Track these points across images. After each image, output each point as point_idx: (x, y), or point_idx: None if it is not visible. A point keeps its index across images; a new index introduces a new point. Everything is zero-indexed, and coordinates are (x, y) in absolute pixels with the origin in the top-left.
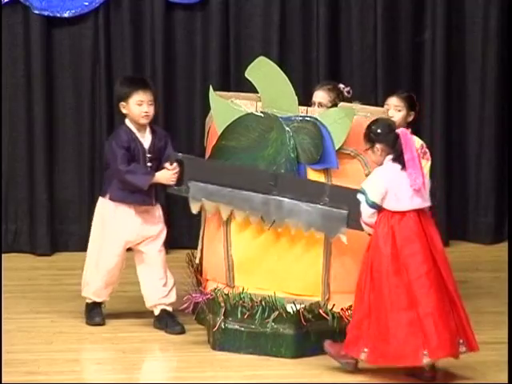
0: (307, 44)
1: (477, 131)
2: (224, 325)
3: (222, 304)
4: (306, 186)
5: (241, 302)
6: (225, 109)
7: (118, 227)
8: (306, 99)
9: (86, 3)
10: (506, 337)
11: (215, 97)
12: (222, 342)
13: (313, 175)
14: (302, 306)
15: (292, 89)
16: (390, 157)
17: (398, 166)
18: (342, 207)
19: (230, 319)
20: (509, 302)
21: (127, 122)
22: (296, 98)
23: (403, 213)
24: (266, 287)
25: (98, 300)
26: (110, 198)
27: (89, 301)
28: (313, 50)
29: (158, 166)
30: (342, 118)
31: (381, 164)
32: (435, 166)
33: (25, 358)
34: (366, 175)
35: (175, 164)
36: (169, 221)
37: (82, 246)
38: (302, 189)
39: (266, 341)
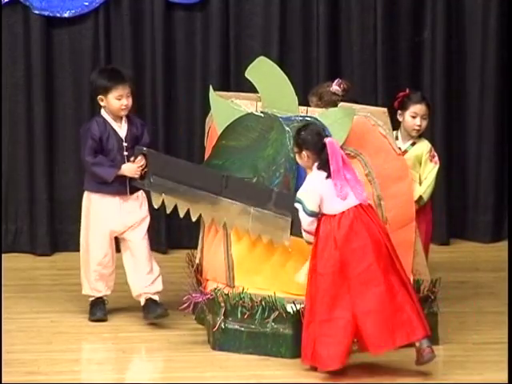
0: (307, 44)
1: (476, 130)
2: (224, 325)
3: (222, 304)
4: (255, 190)
5: (241, 302)
6: (225, 109)
7: (100, 218)
8: (306, 99)
9: (86, 3)
10: (506, 337)
11: (215, 97)
12: (221, 342)
13: None
14: (302, 306)
15: (292, 89)
16: (316, 164)
17: (323, 174)
18: (286, 214)
19: (230, 319)
20: (509, 302)
21: (103, 112)
22: (296, 97)
23: (341, 213)
24: (266, 287)
25: (98, 295)
26: (86, 189)
27: (91, 298)
28: (313, 50)
29: None
30: (341, 118)
31: (309, 168)
32: None
33: (25, 358)
34: (367, 175)
35: (139, 157)
36: (169, 221)
37: None
38: (250, 193)
39: (265, 341)
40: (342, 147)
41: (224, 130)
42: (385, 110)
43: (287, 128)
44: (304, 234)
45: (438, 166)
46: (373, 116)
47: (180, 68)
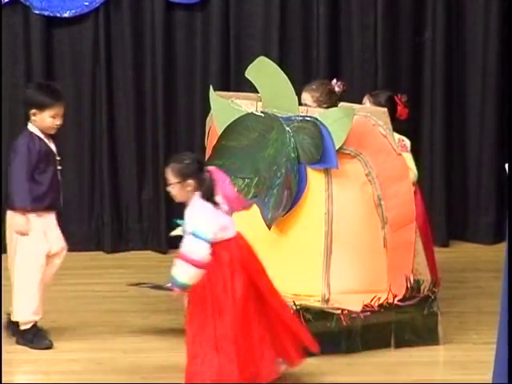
0: (307, 44)
1: (477, 131)
2: None
3: None
4: None
5: None
6: (225, 108)
7: (36, 239)
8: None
9: (86, 3)
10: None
11: (215, 96)
12: None
13: (313, 175)
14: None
15: (292, 89)
16: (200, 194)
17: (210, 205)
18: None
19: None
20: (509, 302)
21: (32, 127)
22: (296, 97)
23: (235, 235)
24: None
25: (37, 318)
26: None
27: (27, 325)
28: (313, 50)
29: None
30: (341, 118)
31: (187, 200)
32: (435, 165)
33: (25, 358)
34: (367, 175)
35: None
36: (169, 221)
37: (82, 246)
38: None
39: None
40: (342, 147)
41: (224, 129)
42: (385, 109)
43: (287, 128)
44: (193, 271)
45: (410, 155)
46: (373, 116)
47: (180, 68)
